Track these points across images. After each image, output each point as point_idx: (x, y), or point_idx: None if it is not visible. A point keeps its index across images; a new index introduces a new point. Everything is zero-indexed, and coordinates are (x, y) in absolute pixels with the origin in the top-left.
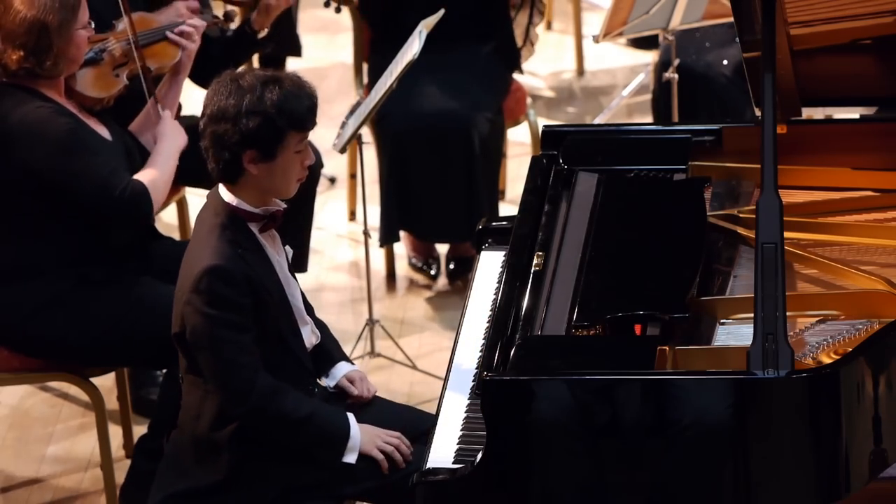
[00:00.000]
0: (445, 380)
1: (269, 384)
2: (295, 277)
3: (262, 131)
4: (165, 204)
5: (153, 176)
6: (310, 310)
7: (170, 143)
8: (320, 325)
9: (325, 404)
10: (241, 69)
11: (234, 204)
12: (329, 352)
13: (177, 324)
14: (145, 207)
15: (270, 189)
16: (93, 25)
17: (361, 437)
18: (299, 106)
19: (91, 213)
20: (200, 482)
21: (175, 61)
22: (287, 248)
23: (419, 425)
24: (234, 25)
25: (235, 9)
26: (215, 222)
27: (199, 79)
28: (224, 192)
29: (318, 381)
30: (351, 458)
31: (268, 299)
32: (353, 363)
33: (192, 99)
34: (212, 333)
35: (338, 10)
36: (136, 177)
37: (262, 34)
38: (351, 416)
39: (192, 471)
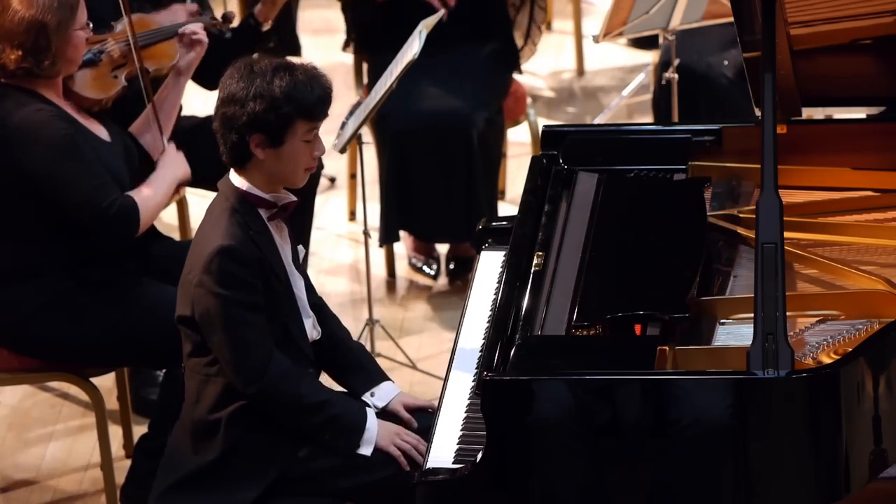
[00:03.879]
0: (445, 380)
1: (283, 365)
2: (305, 275)
3: (267, 116)
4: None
5: (146, 195)
6: (322, 307)
7: (168, 171)
8: (358, 346)
9: (344, 395)
10: (256, 55)
11: (244, 188)
12: (369, 372)
13: (184, 307)
14: (131, 224)
15: (277, 175)
16: (91, 26)
17: (379, 431)
18: (308, 95)
19: (76, 223)
20: (194, 466)
21: (173, 62)
22: (300, 247)
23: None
24: (232, 27)
25: (233, 11)
26: (226, 206)
27: (198, 77)
28: (235, 178)
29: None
30: (366, 450)
31: (275, 284)
32: (393, 381)
33: (192, 100)
34: (224, 313)
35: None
36: (129, 193)
37: (266, 27)
38: (370, 411)
39: (187, 458)
